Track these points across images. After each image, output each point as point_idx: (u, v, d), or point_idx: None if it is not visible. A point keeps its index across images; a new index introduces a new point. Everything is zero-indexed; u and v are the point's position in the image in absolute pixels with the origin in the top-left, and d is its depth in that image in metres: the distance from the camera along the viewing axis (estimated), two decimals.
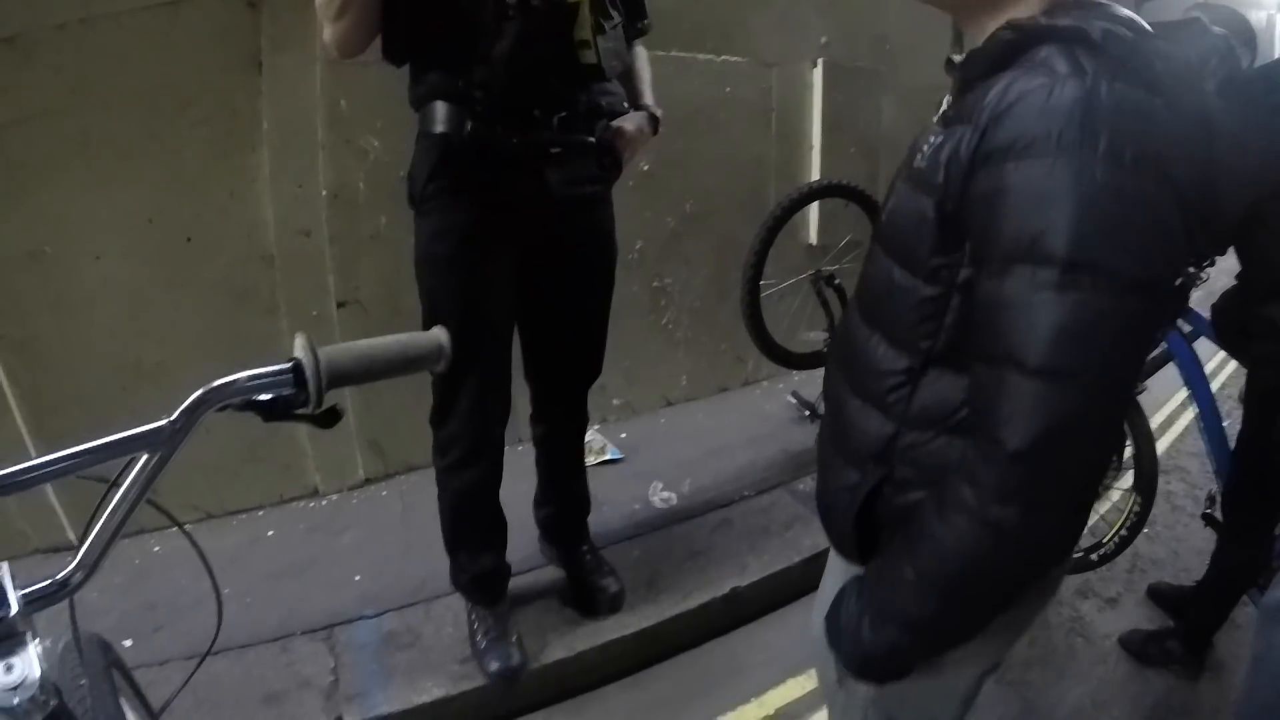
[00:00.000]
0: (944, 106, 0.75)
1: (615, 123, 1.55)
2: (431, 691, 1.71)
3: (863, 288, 0.83)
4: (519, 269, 1.55)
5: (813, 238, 3.04)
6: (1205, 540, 1.90)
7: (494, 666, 1.70)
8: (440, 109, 1.41)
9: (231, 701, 1.67)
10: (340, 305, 2.27)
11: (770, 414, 2.86)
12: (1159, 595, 2.12)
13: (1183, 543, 2.25)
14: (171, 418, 0.65)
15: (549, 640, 1.81)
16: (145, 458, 0.64)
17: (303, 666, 1.78)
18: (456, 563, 1.75)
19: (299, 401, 0.68)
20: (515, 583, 1.88)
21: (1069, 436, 0.60)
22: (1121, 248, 0.59)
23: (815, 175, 3.04)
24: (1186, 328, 1.87)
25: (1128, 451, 2.11)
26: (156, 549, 2.10)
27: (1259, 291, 1.62)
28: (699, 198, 2.80)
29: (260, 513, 2.26)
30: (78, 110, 1.91)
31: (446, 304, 1.48)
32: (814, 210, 2.94)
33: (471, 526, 1.70)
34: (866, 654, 0.75)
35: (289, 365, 0.67)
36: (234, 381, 0.67)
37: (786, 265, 2.53)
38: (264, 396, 0.68)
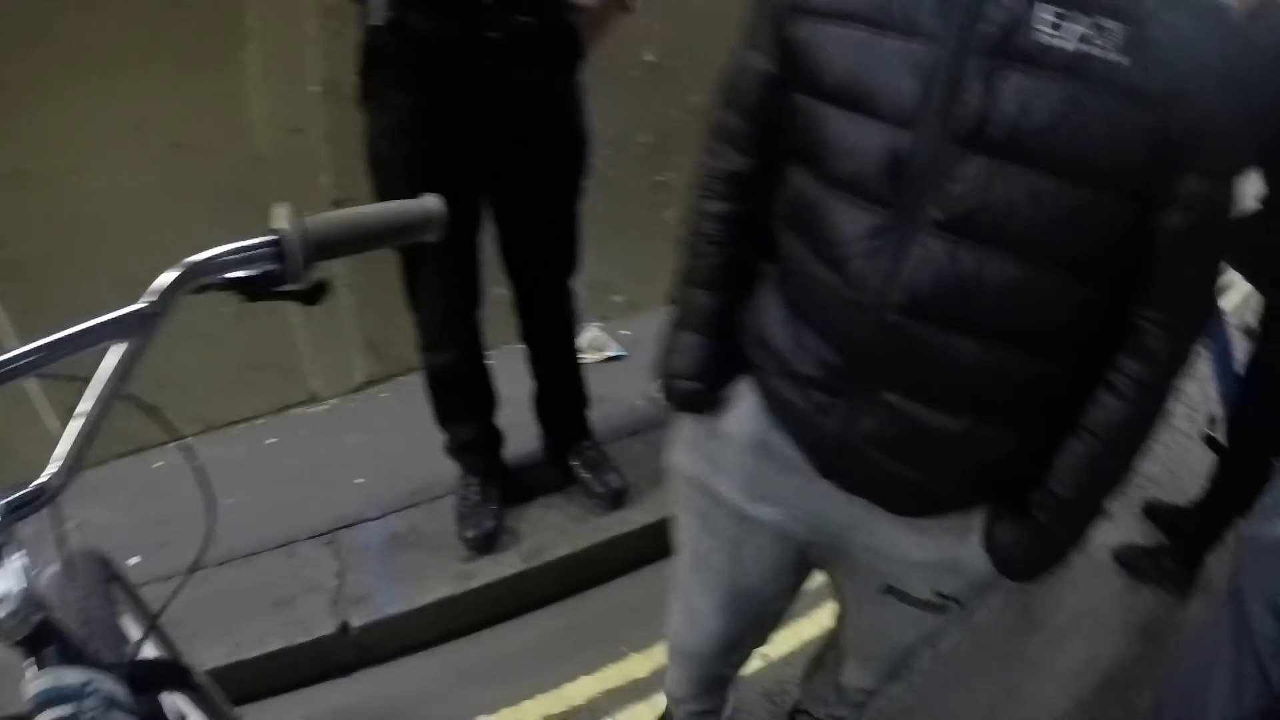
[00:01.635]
0: None
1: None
2: (437, 591, 1.74)
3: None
4: (476, 161, 1.49)
5: None
6: (1203, 461, 1.91)
7: (468, 533, 1.77)
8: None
9: (240, 609, 1.69)
10: (335, 204, 2.18)
11: None
12: (1155, 512, 2.15)
13: (1180, 463, 2.27)
14: (148, 300, 0.60)
15: (553, 536, 1.83)
16: (122, 346, 0.59)
17: (308, 571, 1.80)
18: (445, 432, 1.81)
19: (283, 277, 0.63)
20: (518, 480, 1.90)
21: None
22: None
23: None
24: None
25: None
26: (159, 464, 2.08)
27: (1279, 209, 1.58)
28: (707, 90, 2.69)
29: (261, 421, 2.24)
30: (57, 20, 1.81)
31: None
32: None
33: (450, 401, 1.75)
34: (1063, 553, 0.80)
35: (271, 237, 0.62)
36: (212, 257, 0.62)
37: None
38: (245, 273, 0.63)
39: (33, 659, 0.59)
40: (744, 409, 0.90)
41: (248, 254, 0.62)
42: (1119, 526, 2.15)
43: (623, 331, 2.57)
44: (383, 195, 1.49)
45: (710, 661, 1.20)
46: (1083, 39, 0.63)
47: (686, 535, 1.07)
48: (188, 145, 2.01)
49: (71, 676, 0.58)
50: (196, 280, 0.62)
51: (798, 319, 0.81)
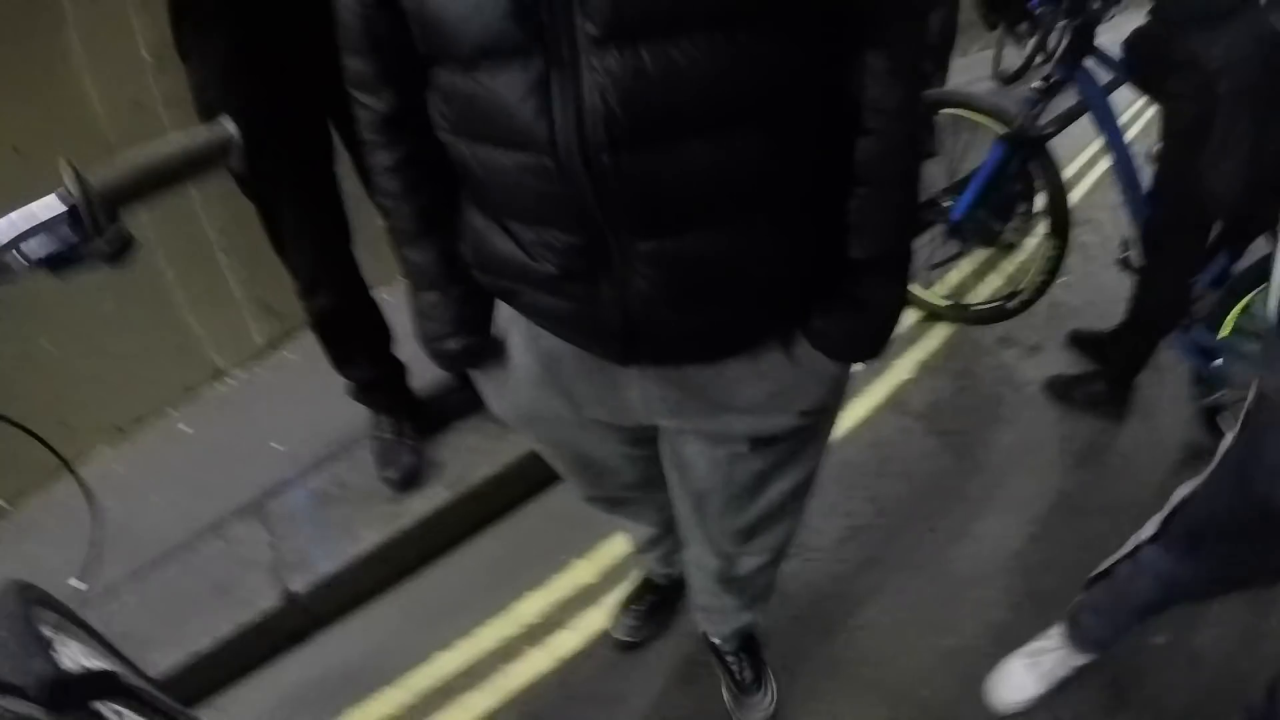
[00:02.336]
0: None
1: None
2: (369, 539, 1.70)
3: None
4: (312, 88, 1.38)
5: None
6: (1122, 287, 1.92)
7: (388, 473, 1.75)
8: None
9: (185, 605, 1.66)
10: None
11: None
12: (1080, 340, 2.17)
13: (1100, 291, 2.30)
14: None
15: (474, 459, 1.80)
16: None
17: (242, 549, 1.76)
18: (345, 376, 1.75)
19: (86, 240, 0.58)
20: (431, 409, 1.86)
21: None
22: None
23: None
24: (1102, 73, 1.82)
25: (1040, 200, 2.12)
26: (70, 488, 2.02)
27: (1174, 21, 1.57)
28: None
29: (170, 410, 2.16)
30: None
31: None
32: None
33: (342, 343, 1.70)
34: (893, 316, 0.79)
35: (57, 200, 0.57)
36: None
37: None
38: (44, 247, 0.57)
39: None
40: (517, 338, 0.85)
41: (41, 223, 0.56)
42: (1046, 360, 2.17)
43: None
44: None
45: (632, 504, 1.20)
46: None
47: (553, 459, 1.06)
48: (28, 146, 1.87)
49: None
50: None
51: (511, 222, 0.73)
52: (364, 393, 1.77)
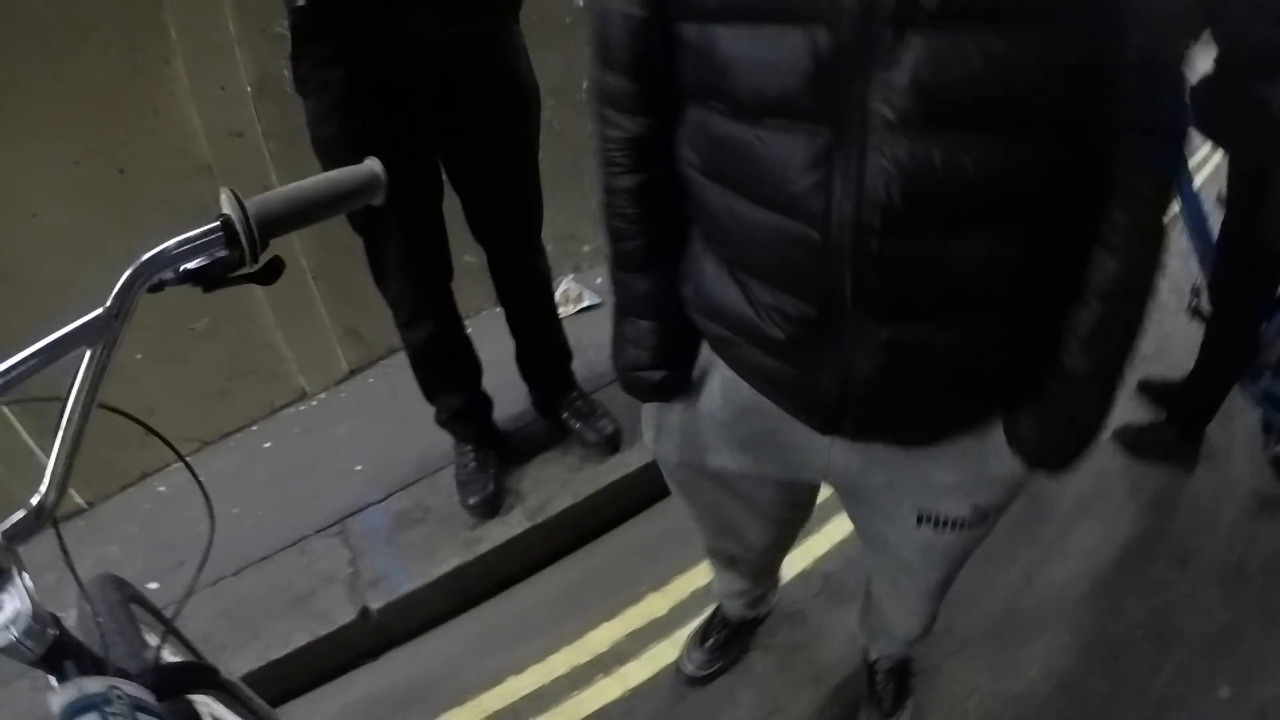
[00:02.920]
0: None
1: None
2: (449, 561, 1.75)
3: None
4: (424, 126, 1.47)
5: None
6: (1191, 335, 1.91)
7: (471, 500, 1.79)
8: None
9: (262, 613, 1.71)
10: None
11: None
12: (1149, 389, 2.15)
13: (1170, 338, 2.26)
14: (105, 304, 0.61)
15: (554, 490, 1.84)
16: (89, 353, 0.61)
17: (322, 564, 1.82)
18: (434, 405, 1.82)
19: (236, 261, 0.64)
20: (513, 441, 1.92)
21: None
22: None
23: None
24: None
25: None
26: (162, 489, 2.11)
27: (1240, 67, 1.56)
28: None
29: (254, 428, 2.25)
30: None
31: None
32: None
33: (435, 374, 1.76)
34: (1093, 431, 0.77)
35: (217, 223, 0.63)
36: (162, 251, 0.62)
37: None
38: (198, 263, 0.63)
39: (54, 676, 0.60)
40: (716, 384, 0.85)
41: (198, 243, 0.63)
42: (1115, 408, 2.14)
43: (596, 280, 2.56)
44: None
45: (744, 563, 1.22)
46: None
47: (689, 507, 1.06)
48: (132, 168, 2.01)
49: (94, 685, 0.59)
50: (151, 276, 0.62)
51: (748, 279, 0.72)
52: (452, 421, 1.83)
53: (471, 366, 1.80)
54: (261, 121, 2.10)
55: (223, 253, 0.64)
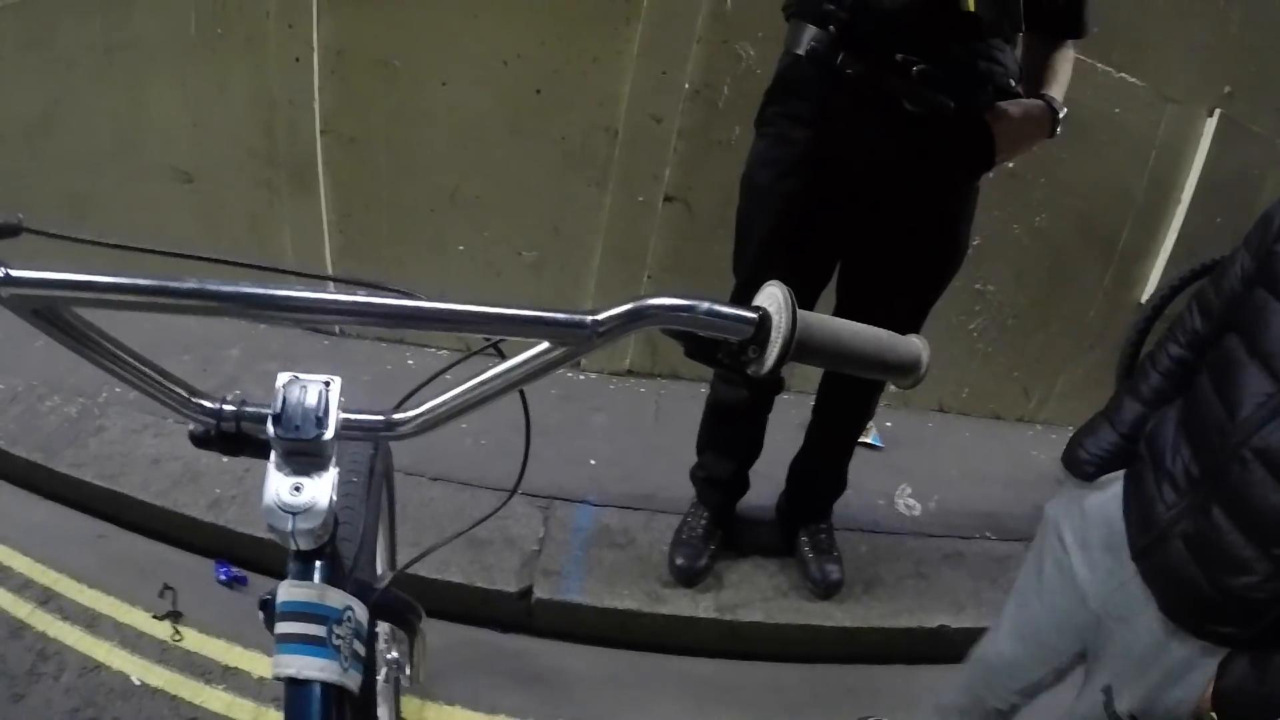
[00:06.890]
0: None
1: (1002, 104, 1.31)
2: (625, 600, 1.70)
3: None
4: (849, 227, 1.40)
5: None
6: None
7: (679, 560, 1.74)
8: (801, 29, 1.28)
9: (438, 529, 1.72)
10: (667, 199, 2.25)
11: (1035, 461, 2.54)
12: None
13: None
14: (597, 317, 0.54)
15: (752, 598, 1.75)
16: (545, 345, 0.56)
17: (513, 525, 1.83)
18: (700, 459, 1.79)
19: (746, 357, 0.56)
20: (744, 534, 1.84)
21: None
22: None
23: (1174, 232, 2.61)
24: None
25: None
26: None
27: None
28: (1053, 213, 2.49)
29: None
30: None
31: (754, 230, 1.45)
32: None
33: (722, 434, 1.73)
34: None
35: (754, 315, 0.55)
36: (688, 307, 0.55)
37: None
38: (709, 333, 0.56)
39: (295, 568, 0.59)
40: (1110, 493, 1.03)
41: (726, 322, 0.55)
42: None
43: (887, 423, 2.46)
44: (743, 218, 1.48)
45: (991, 677, 1.25)
46: None
47: (1024, 568, 1.18)
48: (549, 94, 2.16)
49: (336, 599, 0.58)
50: (660, 322, 0.56)
51: (1184, 431, 0.94)
52: (706, 483, 1.80)
53: (755, 447, 1.76)
54: (682, 118, 2.16)
55: (741, 341, 0.56)
